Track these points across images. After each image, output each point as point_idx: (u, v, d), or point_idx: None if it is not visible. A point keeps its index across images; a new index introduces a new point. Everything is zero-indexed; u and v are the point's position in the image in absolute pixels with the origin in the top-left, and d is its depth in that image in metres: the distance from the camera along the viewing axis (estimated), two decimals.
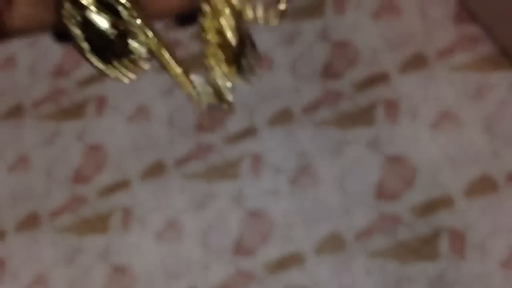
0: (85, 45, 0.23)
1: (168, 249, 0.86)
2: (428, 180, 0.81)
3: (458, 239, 0.78)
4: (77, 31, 0.23)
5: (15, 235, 0.90)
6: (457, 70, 0.84)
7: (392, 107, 0.84)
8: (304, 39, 0.89)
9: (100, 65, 0.24)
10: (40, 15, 0.26)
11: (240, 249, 0.83)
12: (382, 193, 0.81)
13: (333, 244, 0.81)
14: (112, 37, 0.24)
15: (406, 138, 0.83)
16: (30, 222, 0.90)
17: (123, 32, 0.24)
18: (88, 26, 0.24)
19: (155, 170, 0.88)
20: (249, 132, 0.85)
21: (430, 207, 0.80)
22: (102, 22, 0.24)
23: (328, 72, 0.87)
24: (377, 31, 0.88)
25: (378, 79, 0.86)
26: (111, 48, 0.24)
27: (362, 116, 0.84)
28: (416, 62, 0.85)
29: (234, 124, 0.86)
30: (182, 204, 0.86)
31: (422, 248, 0.79)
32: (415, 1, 0.88)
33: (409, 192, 0.81)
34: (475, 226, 0.78)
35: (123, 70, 0.24)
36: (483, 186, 0.79)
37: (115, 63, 0.24)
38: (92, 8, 0.24)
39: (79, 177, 0.90)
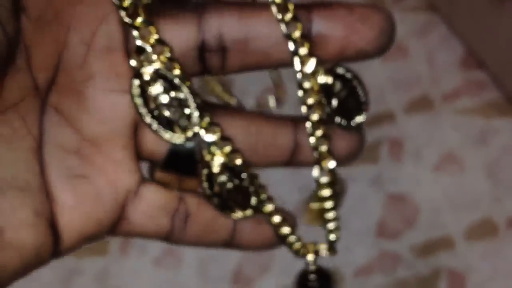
0: None
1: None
2: (429, 220, 0.81)
3: (458, 281, 0.78)
4: None
5: None
6: (462, 114, 0.85)
7: (396, 147, 0.85)
8: None
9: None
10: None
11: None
12: (383, 231, 0.82)
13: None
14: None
15: (409, 178, 0.84)
16: None
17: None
18: None
19: None
20: None
21: (430, 248, 0.80)
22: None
23: None
24: (384, 72, 0.89)
25: (383, 118, 0.87)
26: None
27: (367, 154, 0.85)
28: (421, 104, 0.87)
29: None
30: None
31: None
32: (423, 45, 0.90)
33: (410, 232, 0.81)
34: (475, 269, 0.78)
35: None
36: (484, 229, 0.80)
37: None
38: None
39: None
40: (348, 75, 0.25)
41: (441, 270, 0.79)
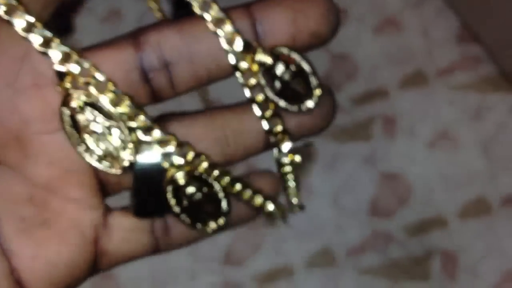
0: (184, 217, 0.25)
1: None
2: (422, 199, 0.80)
3: (450, 260, 0.77)
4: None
5: None
6: (456, 90, 0.84)
7: (389, 124, 0.83)
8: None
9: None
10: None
11: None
12: (376, 210, 0.81)
13: (324, 259, 0.80)
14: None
15: (402, 156, 0.82)
16: None
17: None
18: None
19: None
20: None
21: (423, 227, 0.79)
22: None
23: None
24: (377, 46, 0.87)
25: (376, 94, 0.85)
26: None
27: (359, 131, 0.84)
28: (415, 80, 0.85)
29: None
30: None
31: (414, 268, 0.78)
32: (418, 18, 0.88)
33: (403, 210, 0.80)
34: (468, 249, 0.77)
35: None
36: (478, 208, 0.79)
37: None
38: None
39: None
40: (294, 56, 0.23)
41: (434, 249, 0.78)
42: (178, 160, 0.24)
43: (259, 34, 0.23)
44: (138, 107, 0.23)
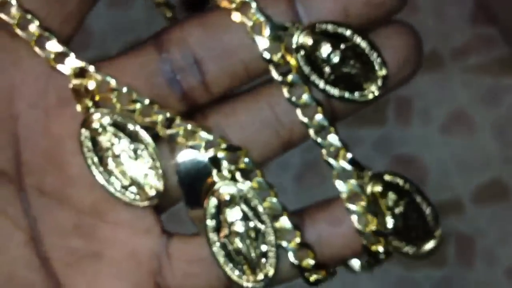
0: None
1: None
2: (437, 183, 0.79)
3: (466, 244, 0.76)
4: None
5: None
6: (471, 72, 0.82)
7: (403, 107, 0.82)
8: None
9: None
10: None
11: None
12: None
13: None
14: None
15: (416, 139, 0.81)
16: None
17: None
18: None
19: None
20: None
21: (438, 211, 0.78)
22: None
23: None
24: None
25: None
26: None
27: (372, 115, 0.82)
28: (430, 61, 0.83)
29: None
30: None
31: None
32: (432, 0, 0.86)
33: None
34: (484, 233, 0.76)
35: None
36: (493, 192, 0.78)
37: None
38: None
39: None
40: (342, 30, 0.19)
41: (450, 234, 0.77)
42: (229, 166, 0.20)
43: (300, 15, 0.20)
44: (169, 112, 0.20)
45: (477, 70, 0.82)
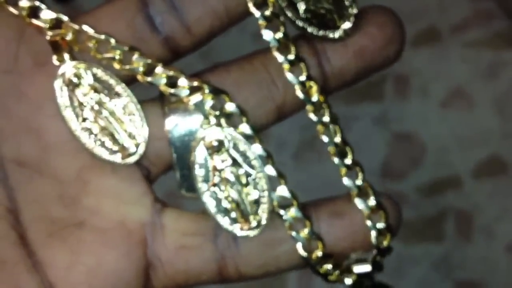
0: None
1: None
2: (436, 159, 0.79)
3: (465, 221, 0.76)
4: None
5: None
6: (470, 47, 0.81)
7: (401, 83, 0.81)
8: None
9: None
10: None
11: None
12: (388, 171, 0.79)
13: None
14: None
15: (415, 116, 0.80)
16: None
17: None
18: None
19: None
20: None
21: (436, 188, 0.78)
22: None
23: None
24: (389, 4, 0.84)
25: None
26: None
27: (370, 91, 0.81)
28: (428, 36, 0.82)
29: None
30: None
31: (427, 229, 0.77)
32: None
33: (416, 171, 0.79)
34: (483, 208, 0.76)
35: None
36: (492, 167, 0.77)
37: None
38: None
39: None
40: None
41: (448, 210, 0.77)
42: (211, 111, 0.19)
43: None
44: (151, 59, 0.19)
45: (476, 45, 0.81)
